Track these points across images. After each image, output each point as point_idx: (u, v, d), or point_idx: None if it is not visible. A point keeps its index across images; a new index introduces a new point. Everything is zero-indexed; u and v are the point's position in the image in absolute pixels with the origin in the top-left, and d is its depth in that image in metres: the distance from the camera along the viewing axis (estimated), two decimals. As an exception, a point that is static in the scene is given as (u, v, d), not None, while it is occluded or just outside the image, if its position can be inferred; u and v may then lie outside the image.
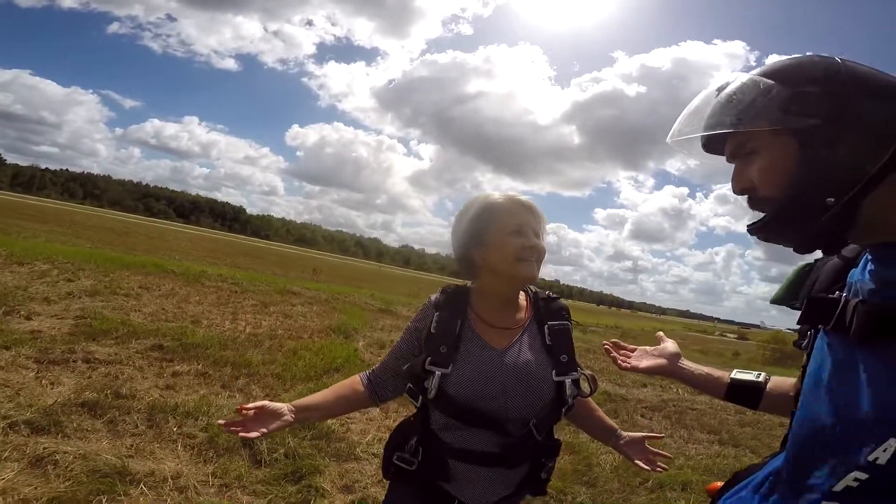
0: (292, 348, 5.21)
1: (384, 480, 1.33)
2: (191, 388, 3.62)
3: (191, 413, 3.07)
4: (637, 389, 6.52)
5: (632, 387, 6.64)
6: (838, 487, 0.60)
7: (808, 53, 0.71)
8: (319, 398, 1.25)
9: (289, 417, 1.16)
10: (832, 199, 0.64)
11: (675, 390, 6.71)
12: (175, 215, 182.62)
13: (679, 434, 4.85)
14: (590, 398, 1.34)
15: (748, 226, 0.73)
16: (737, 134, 0.71)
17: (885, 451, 0.57)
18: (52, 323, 4.48)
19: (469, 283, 1.29)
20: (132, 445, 2.63)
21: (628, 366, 1.22)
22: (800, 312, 0.79)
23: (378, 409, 3.86)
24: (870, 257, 0.69)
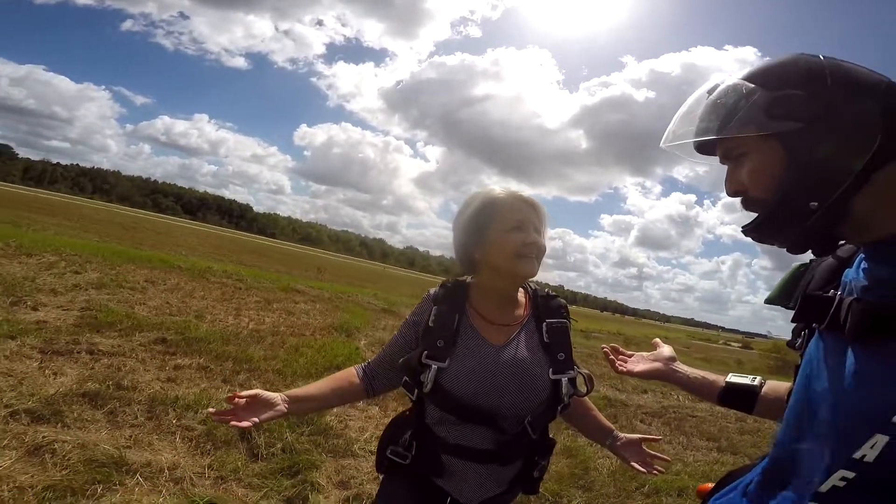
0: (294, 345, 5.23)
1: (380, 477, 1.32)
2: (192, 381, 3.65)
3: (190, 406, 3.10)
4: (637, 395, 6.50)
5: (632, 392, 6.62)
6: (824, 488, 0.60)
7: (793, 53, 0.71)
8: (314, 389, 1.23)
9: (282, 408, 1.13)
10: (815, 204, 0.65)
11: (675, 397, 6.68)
12: (182, 212, 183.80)
13: (678, 440, 4.83)
14: (586, 399, 1.34)
15: (742, 227, 0.74)
16: (726, 138, 0.72)
17: (872, 447, 0.57)
18: (58, 314, 4.53)
19: (468, 278, 1.29)
20: (131, 436, 2.65)
21: (624, 369, 1.23)
22: (794, 312, 0.80)
23: (377, 407, 3.87)
24: (863, 256, 0.70)
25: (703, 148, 0.79)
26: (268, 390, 1.15)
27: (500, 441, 1.16)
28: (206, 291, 7.30)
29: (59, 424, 2.60)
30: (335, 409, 3.54)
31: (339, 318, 7.57)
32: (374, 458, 1.34)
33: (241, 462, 2.62)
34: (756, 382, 1.08)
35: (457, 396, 1.14)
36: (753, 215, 0.72)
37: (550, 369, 1.19)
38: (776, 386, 1.07)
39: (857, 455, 0.57)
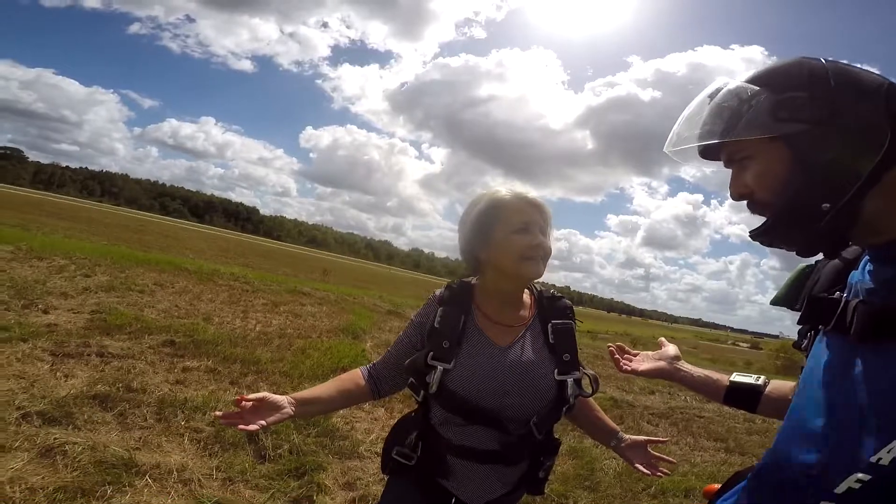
0: (301, 347, 5.26)
1: (385, 478, 1.33)
2: (200, 383, 3.68)
3: (199, 408, 3.13)
4: (644, 396, 6.48)
5: (639, 393, 6.60)
6: (840, 489, 0.59)
7: (795, 56, 0.71)
8: (320, 391, 1.23)
9: (289, 410, 1.12)
10: (827, 205, 0.64)
11: (682, 397, 6.65)
12: (189, 214, 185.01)
13: (685, 441, 4.81)
14: (591, 400, 1.34)
15: (750, 231, 0.73)
16: (730, 141, 0.72)
17: (889, 451, 0.56)
18: (69, 317, 4.58)
19: (474, 279, 1.29)
20: (140, 438, 2.68)
21: (629, 369, 1.23)
22: (800, 314, 0.80)
23: (383, 409, 3.89)
24: (869, 257, 0.69)
25: (707, 152, 0.79)
26: (275, 392, 1.14)
27: (506, 442, 1.16)
28: (213, 294, 7.35)
29: (70, 426, 2.63)
30: (341, 411, 3.56)
31: (346, 320, 7.60)
32: (380, 459, 1.35)
33: (249, 464, 2.65)
34: (760, 382, 1.08)
35: (462, 397, 1.14)
36: (760, 220, 0.72)
37: (556, 370, 1.19)
38: (780, 385, 1.07)
39: (874, 459, 0.57)
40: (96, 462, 2.32)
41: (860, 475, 0.58)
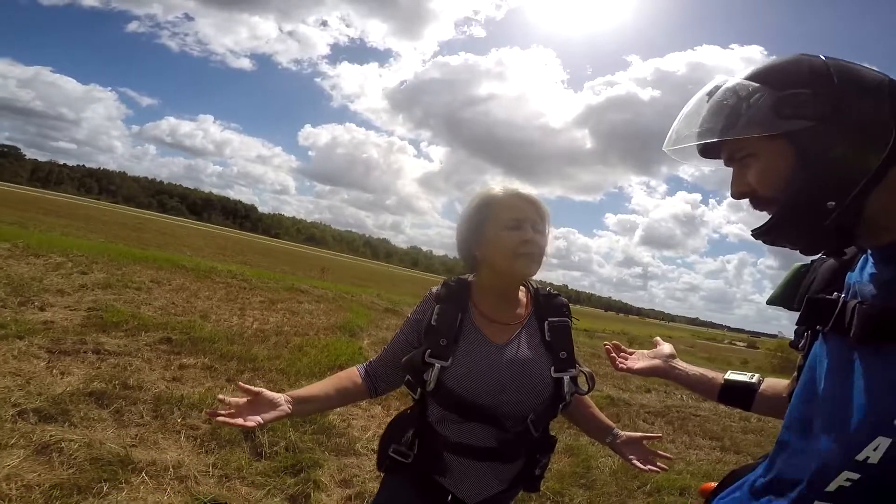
0: (298, 345, 5.27)
1: (381, 476, 1.33)
2: (197, 380, 3.68)
3: (195, 405, 3.13)
4: (640, 394, 6.50)
5: (635, 391, 6.62)
6: (831, 487, 0.60)
7: (794, 53, 0.70)
8: (317, 390, 1.22)
9: (286, 408, 1.11)
10: (833, 203, 0.64)
11: (678, 396, 6.67)
12: (188, 212, 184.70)
13: (681, 440, 4.83)
14: (587, 397, 1.34)
15: (753, 231, 0.73)
16: (731, 140, 0.71)
17: (875, 449, 0.57)
18: (65, 314, 4.58)
19: (470, 276, 1.29)
20: (136, 435, 2.68)
21: (624, 367, 1.24)
22: (797, 313, 0.80)
23: (380, 406, 3.90)
24: (870, 259, 0.69)
25: (707, 151, 0.78)
26: (272, 390, 1.14)
27: (502, 439, 1.17)
28: (210, 291, 7.34)
29: (66, 423, 2.63)
30: (337, 409, 3.56)
31: (343, 317, 7.60)
32: (376, 456, 1.35)
33: (245, 461, 2.65)
34: (754, 380, 1.09)
35: (459, 395, 1.14)
36: (761, 221, 0.71)
37: (552, 368, 1.19)
38: (774, 383, 1.07)
39: (861, 457, 0.58)
40: (92, 459, 2.32)
41: (850, 473, 0.58)
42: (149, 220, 48.08)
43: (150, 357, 3.93)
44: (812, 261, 0.87)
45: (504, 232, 1.16)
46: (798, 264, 0.89)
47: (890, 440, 0.56)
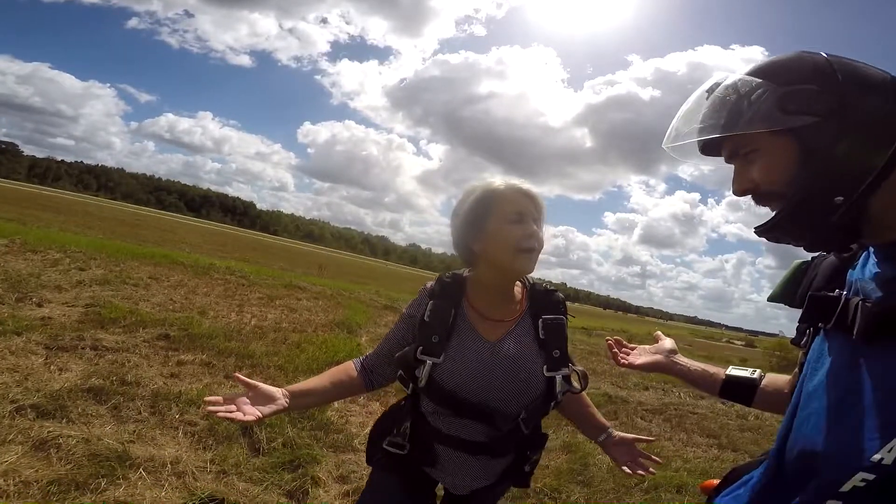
0: (296, 341, 5.27)
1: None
2: (195, 376, 3.68)
3: (193, 401, 3.13)
4: (638, 392, 6.51)
5: (633, 389, 6.63)
6: (845, 488, 0.59)
7: (794, 51, 0.70)
8: (314, 384, 1.22)
9: (283, 402, 1.10)
10: (840, 199, 0.64)
11: (676, 393, 6.69)
12: (186, 209, 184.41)
13: (678, 437, 4.84)
14: (584, 394, 1.33)
15: (756, 228, 0.72)
16: (734, 136, 0.70)
17: (890, 451, 0.57)
18: (63, 310, 4.57)
19: (465, 272, 1.27)
20: (134, 431, 2.68)
21: (625, 362, 1.22)
22: (797, 310, 0.79)
23: (378, 402, 3.90)
24: (872, 256, 0.69)
25: (708, 148, 0.77)
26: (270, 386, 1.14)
27: (493, 435, 1.17)
28: (209, 288, 7.33)
29: (64, 419, 2.63)
30: (336, 405, 3.57)
31: (341, 314, 7.60)
32: (366, 450, 1.34)
33: (243, 457, 2.65)
34: (756, 375, 1.09)
35: (450, 392, 1.14)
36: (760, 220, 0.71)
37: (545, 366, 1.18)
38: (775, 379, 1.07)
39: (876, 458, 0.57)
40: (90, 455, 2.32)
41: (865, 474, 0.58)
42: (147, 216, 47.98)
43: (148, 353, 3.92)
44: (813, 258, 0.86)
45: (507, 226, 1.15)
46: (798, 261, 0.89)
47: None
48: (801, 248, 0.73)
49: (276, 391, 1.12)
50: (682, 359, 1.19)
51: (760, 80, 0.67)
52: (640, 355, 1.23)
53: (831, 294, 0.70)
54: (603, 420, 1.37)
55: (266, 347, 4.79)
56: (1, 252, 6.47)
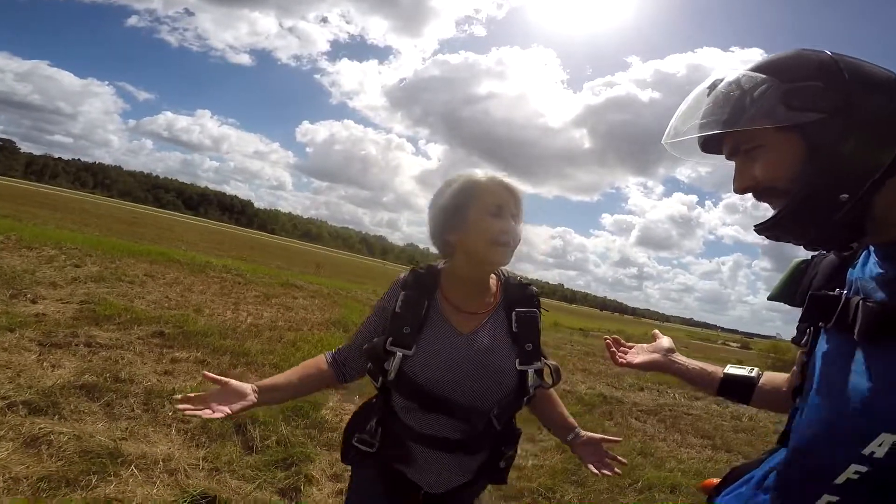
0: (291, 340, 5.26)
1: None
2: (189, 374, 3.67)
3: (188, 398, 3.11)
4: (633, 393, 6.52)
5: (628, 390, 6.65)
6: (840, 480, 0.60)
7: (796, 48, 0.69)
8: (284, 379, 1.21)
9: (252, 398, 1.11)
10: (846, 196, 0.63)
11: (671, 395, 6.71)
12: (184, 207, 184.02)
13: (673, 438, 4.85)
14: (553, 392, 1.32)
15: (756, 226, 0.71)
16: (736, 132, 0.69)
17: (880, 445, 0.58)
18: (57, 307, 4.55)
19: (440, 264, 1.26)
20: (127, 428, 2.67)
21: (624, 362, 1.21)
22: (796, 308, 0.79)
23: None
24: (872, 255, 0.69)
25: (709, 145, 0.76)
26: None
27: (466, 431, 1.15)
28: (205, 286, 7.32)
29: (56, 416, 2.62)
30: (330, 403, 3.57)
31: (338, 313, 7.59)
32: (340, 448, 1.33)
33: (236, 454, 2.64)
34: (754, 374, 1.08)
35: (421, 385, 1.13)
36: (759, 221, 0.70)
37: (517, 360, 1.17)
38: (773, 378, 1.07)
39: (867, 451, 0.58)
40: (82, 452, 2.31)
41: (857, 466, 0.59)
42: (144, 214, 47.86)
43: (142, 350, 3.91)
44: (812, 256, 0.86)
45: (486, 218, 1.14)
46: (798, 259, 0.88)
47: (894, 437, 0.57)
48: (801, 246, 0.73)
49: (247, 387, 1.12)
50: (680, 357, 1.19)
51: (764, 76, 0.67)
52: (638, 354, 1.22)
53: (832, 293, 0.70)
54: (571, 420, 1.35)
55: (261, 346, 4.78)
56: (-5, 248, 6.44)
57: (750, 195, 0.73)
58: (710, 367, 1.15)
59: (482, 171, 1.20)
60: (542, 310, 1.27)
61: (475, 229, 1.15)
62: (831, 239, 0.70)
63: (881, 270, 0.66)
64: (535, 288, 1.27)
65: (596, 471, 1.23)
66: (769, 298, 0.92)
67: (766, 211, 0.72)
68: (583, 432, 1.30)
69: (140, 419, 2.82)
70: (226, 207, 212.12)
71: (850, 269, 0.73)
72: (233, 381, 1.11)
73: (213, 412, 1.04)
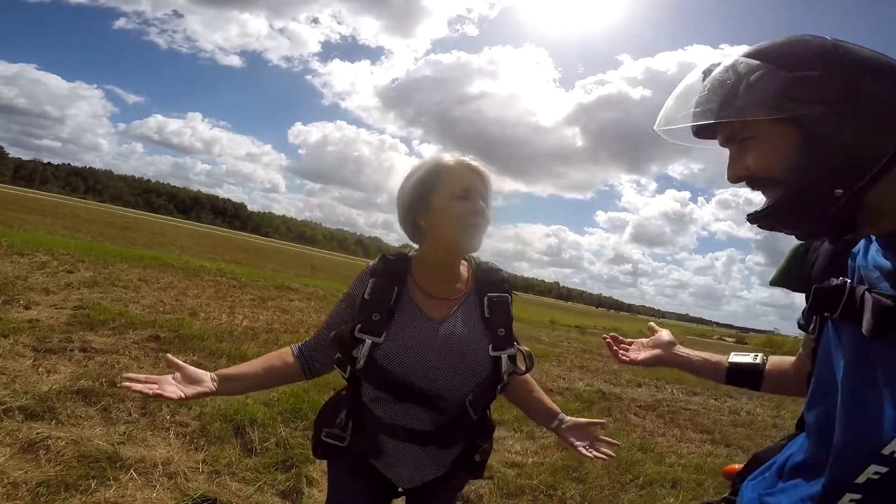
0: (287, 342, 5.19)
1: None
2: (185, 378, 3.64)
3: (184, 402, 3.10)
4: (631, 389, 6.54)
5: (626, 386, 6.66)
6: (860, 479, 0.59)
7: (797, 34, 0.67)
8: (246, 369, 1.19)
9: (210, 386, 1.09)
10: (841, 190, 0.62)
11: (669, 390, 6.73)
12: (176, 211, 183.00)
13: (672, 433, 4.87)
14: (530, 378, 1.31)
15: (749, 215, 0.70)
16: (731, 121, 0.67)
17: None
18: (51, 312, 4.51)
19: (411, 251, 1.25)
20: (125, 432, 2.65)
21: (627, 360, 1.20)
22: (793, 303, 0.79)
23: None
24: (875, 244, 0.67)
25: (702, 131, 0.74)
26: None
27: (439, 422, 1.12)
28: (199, 290, 7.28)
29: (53, 421, 2.59)
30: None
31: (334, 315, 7.56)
32: (311, 443, 1.31)
33: (235, 457, 2.63)
34: (758, 360, 1.08)
35: (391, 373, 1.10)
36: (755, 207, 0.69)
37: (490, 346, 1.15)
38: (779, 362, 1.07)
39: (886, 451, 0.57)
40: (80, 456, 2.29)
41: (877, 467, 0.58)
42: (136, 219, 47.52)
43: (137, 355, 3.88)
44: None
45: (454, 201, 1.12)
46: (796, 244, 0.88)
47: None
48: (794, 236, 0.72)
49: (204, 374, 1.10)
50: (682, 349, 1.17)
51: (761, 63, 0.64)
52: (640, 350, 1.21)
53: (836, 284, 0.68)
54: (553, 405, 1.33)
55: (258, 348, 4.75)
56: (-13, 255, 6.37)
57: (744, 184, 0.71)
58: (713, 357, 1.14)
59: (449, 154, 1.19)
60: (512, 294, 1.26)
61: (442, 213, 1.13)
62: (824, 232, 0.69)
63: (886, 261, 0.64)
64: (505, 273, 1.26)
65: (587, 454, 1.21)
66: (771, 284, 0.92)
67: (759, 204, 0.71)
68: (567, 417, 1.28)
69: (138, 423, 2.80)
70: (219, 211, 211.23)
71: (854, 255, 0.71)
72: (189, 368, 1.09)
73: (164, 393, 1.02)
